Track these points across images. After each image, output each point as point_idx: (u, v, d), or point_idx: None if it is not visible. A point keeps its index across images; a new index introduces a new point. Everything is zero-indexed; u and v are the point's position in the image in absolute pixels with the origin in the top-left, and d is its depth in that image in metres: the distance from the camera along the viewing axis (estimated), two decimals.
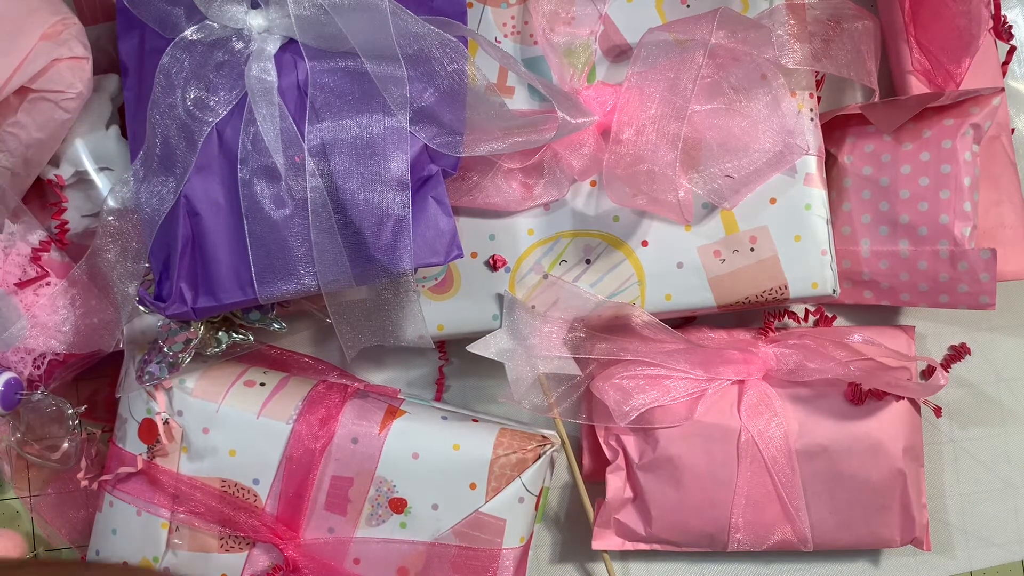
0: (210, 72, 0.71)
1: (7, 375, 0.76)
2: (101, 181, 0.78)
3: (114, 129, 0.78)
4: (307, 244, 0.69)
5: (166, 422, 0.74)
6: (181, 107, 0.70)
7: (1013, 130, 0.82)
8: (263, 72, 0.70)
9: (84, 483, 0.79)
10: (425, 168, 0.71)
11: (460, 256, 0.72)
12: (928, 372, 0.84)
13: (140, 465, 0.74)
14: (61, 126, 0.74)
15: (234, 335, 0.77)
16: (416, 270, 0.71)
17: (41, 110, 0.73)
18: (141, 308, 0.74)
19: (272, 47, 0.71)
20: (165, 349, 0.74)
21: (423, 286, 0.79)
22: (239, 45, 0.71)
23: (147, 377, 0.75)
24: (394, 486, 0.73)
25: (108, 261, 0.74)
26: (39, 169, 0.76)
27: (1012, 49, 0.84)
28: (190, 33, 0.71)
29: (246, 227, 0.70)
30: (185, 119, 0.70)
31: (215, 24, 0.71)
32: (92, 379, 0.85)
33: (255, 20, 0.71)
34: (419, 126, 0.70)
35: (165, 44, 0.71)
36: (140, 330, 0.76)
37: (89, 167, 0.77)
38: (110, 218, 0.73)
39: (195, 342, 0.75)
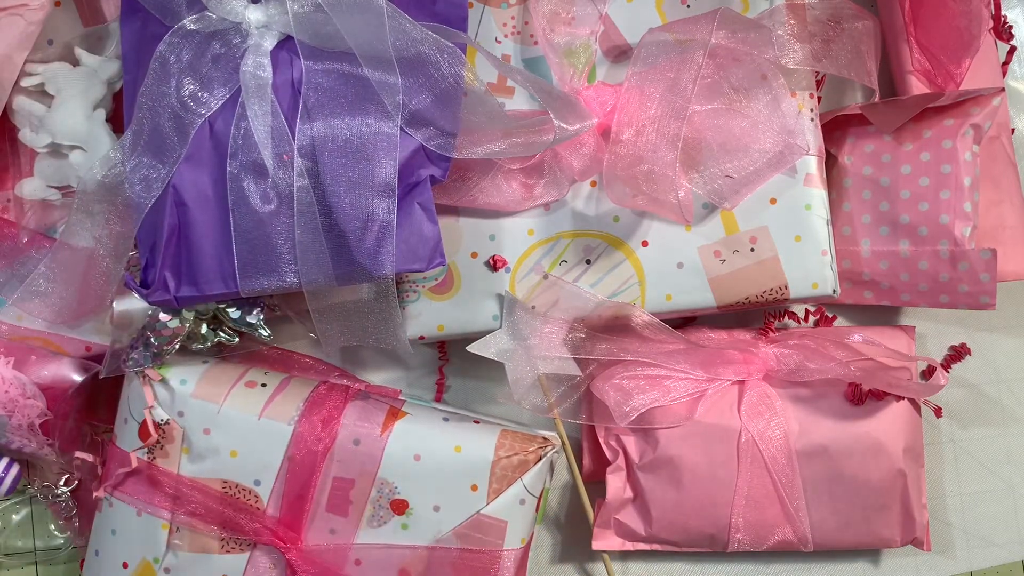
0: (206, 64, 0.71)
1: (15, 468, 0.81)
2: (74, 158, 0.78)
3: (101, 112, 0.78)
4: (291, 242, 0.69)
5: (166, 422, 0.74)
6: (175, 96, 0.70)
7: (1013, 130, 0.82)
8: (258, 68, 0.70)
9: (97, 494, 0.79)
10: (414, 174, 0.71)
11: (443, 264, 0.72)
12: (928, 372, 0.84)
13: (135, 463, 0.74)
14: (28, 38, 0.75)
15: (220, 334, 0.77)
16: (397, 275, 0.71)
17: (8, 26, 0.73)
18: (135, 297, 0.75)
19: (269, 43, 0.71)
20: (152, 339, 0.75)
21: (423, 286, 0.79)
22: (236, 39, 0.71)
23: (131, 363, 0.75)
24: (396, 487, 0.73)
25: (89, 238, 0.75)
26: (8, 89, 0.76)
27: (1012, 49, 0.84)
28: (189, 23, 0.71)
29: (232, 220, 0.70)
30: (178, 109, 0.70)
31: (214, 16, 0.71)
32: (92, 380, 0.85)
33: (254, 15, 0.71)
34: (415, 129, 0.70)
35: (164, 32, 0.71)
36: (129, 318, 0.76)
37: (64, 141, 0.77)
38: (87, 194, 0.74)
39: (181, 336, 0.75)
